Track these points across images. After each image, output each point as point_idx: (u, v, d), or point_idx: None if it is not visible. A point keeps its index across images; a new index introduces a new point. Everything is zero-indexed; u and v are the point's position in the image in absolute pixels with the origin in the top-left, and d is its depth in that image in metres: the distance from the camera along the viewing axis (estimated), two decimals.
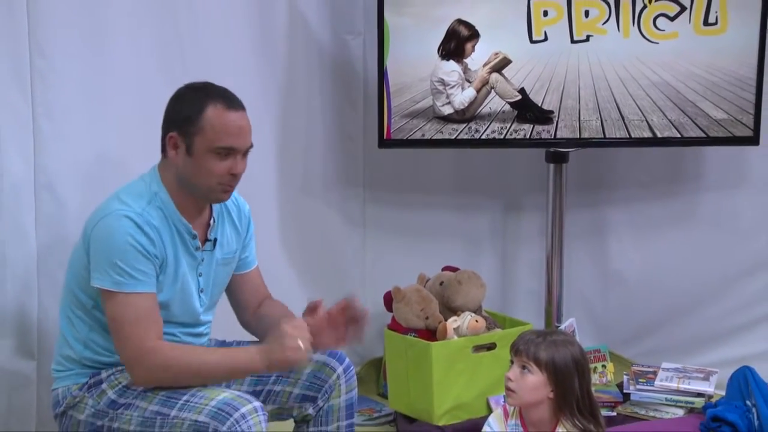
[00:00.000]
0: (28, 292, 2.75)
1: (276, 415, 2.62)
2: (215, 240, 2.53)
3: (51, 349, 2.64)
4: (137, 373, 2.35)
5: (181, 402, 2.32)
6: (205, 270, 2.51)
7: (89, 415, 2.41)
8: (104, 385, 2.42)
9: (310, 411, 2.62)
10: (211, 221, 2.52)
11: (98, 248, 2.36)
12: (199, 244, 2.48)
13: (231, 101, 2.43)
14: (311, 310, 2.51)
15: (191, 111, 2.39)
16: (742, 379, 3.19)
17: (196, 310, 2.51)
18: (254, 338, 2.70)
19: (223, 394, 2.31)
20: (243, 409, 2.27)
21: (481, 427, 2.60)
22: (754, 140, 3.50)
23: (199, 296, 2.51)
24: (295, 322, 2.39)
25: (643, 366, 3.57)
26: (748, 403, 3.09)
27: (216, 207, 2.53)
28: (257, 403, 2.31)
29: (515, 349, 2.48)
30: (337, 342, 2.52)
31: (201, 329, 2.56)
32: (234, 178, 2.44)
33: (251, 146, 2.45)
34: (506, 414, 2.56)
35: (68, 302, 2.48)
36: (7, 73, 2.66)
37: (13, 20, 2.65)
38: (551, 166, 3.61)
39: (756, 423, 2.99)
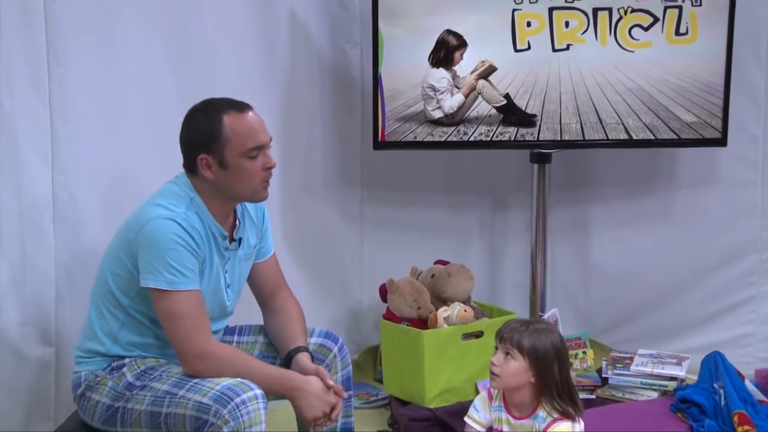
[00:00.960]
0: (47, 284, 2.75)
1: (277, 395, 2.60)
2: (240, 239, 2.55)
3: (68, 337, 2.68)
4: (193, 368, 2.38)
5: (190, 384, 2.34)
6: (230, 267, 2.55)
7: (107, 397, 2.42)
8: (125, 369, 2.44)
9: None
10: (237, 222, 2.55)
11: (148, 251, 2.37)
12: (228, 244, 2.51)
13: (240, 106, 2.45)
14: (336, 390, 2.52)
15: (212, 128, 2.40)
16: (713, 364, 3.22)
17: (224, 304, 2.55)
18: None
19: (228, 380, 2.33)
20: (244, 396, 2.29)
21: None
22: (722, 142, 3.50)
23: (227, 292, 2.54)
24: (332, 401, 2.44)
25: (620, 352, 3.59)
26: (715, 385, 3.11)
27: (239, 208, 2.55)
28: (258, 391, 2.32)
29: (500, 337, 2.49)
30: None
31: (226, 321, 2.61)
32: (269, 172, 2.46)
33: (271, 139, 2.47)
34: (490, 397, 2.57)
35: (102, 298, 2.48)
36: (26, 79, 2.67)
37: (31, 31, 2.66)
38: (535, 166, 3.61)
39: (723, 403, 3.01)
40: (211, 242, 2.46)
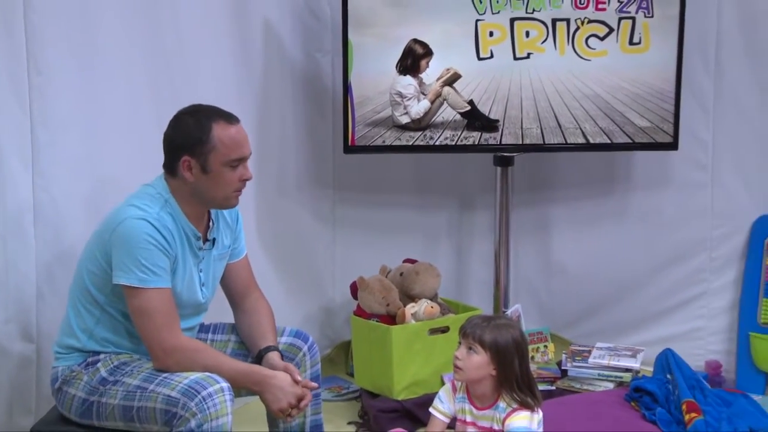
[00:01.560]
0: (28, 283, 2.73)
1: (248, 391, 2.57)
2: (213, 239, 2.55)
3: (49, 334, 2.67)
4: (162, 363, 2.38)
5: (159, 378, 2.34)
6: (204, 266, 2.54)
7: (82, 391, 2.41)
8: (99, 364, 2.43)
9: None
10: (210, 224, 2.54)
11: (122, 249, 2.36)
12: (201, 244, 2.51)
13: (229, 117, 2.45)
14: (305, 385, 2.50)
15: (200, 134, 2.39)
16: (664, 359, 3.27)
17: (198, 302, 2.54)
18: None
19: (196, 374, 2.33)
20: (211, 389, 2.29)
21: None
22: (673, 146, 3.52)
23: (201, 290, 2.53)
24: (299, 393, 2.43)
25: (579, 346, 3.63)
26: (668, 376, 3.15)
27: (213, 210, 2.54)
28: (225, 384, 2.32)
29: (463, 332, 2.51)
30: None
31: (201, 317, 2.60)
32: (244, 183, 2.48)
33: (251, 153, 2.49)
34: (454, 388, 2.58)
35: (79, 296, 2.47)
36: (8, 88, 2.65)
37: (12, 41, 2.64)
38: (498, 169, 3.62)
39: (675, 393, 3.04)
40: (184, 242, 2.46)
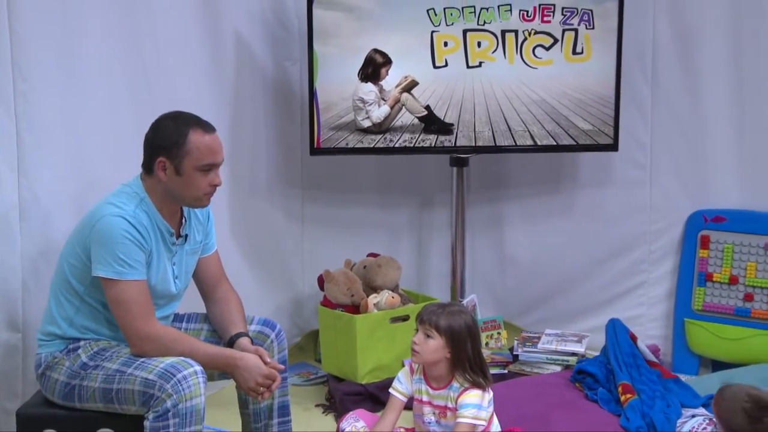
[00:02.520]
0: (14, 276, 2.73)
1: (220, 376, 2.62)
2: (186, 235, 2.56)
3: (33, 324, 2.66)
4: (138, 349, 2.39)
5: (137, 363, 2.36)
6: (177, 260, 2.55)
7: (64, 375, 2.42)
8: (80, 350, 2.44)
9: None
10: (183, 221, 2.55)
11: (100, 244, 2.36)
12: (175, 239, 2.52)
13: (206, 126, 2.46)
14: (272, 365, 2.51)
15: (176, 138, 2.41)
16: (610, 330, 3.23)
17: (172, 292, 2.55)
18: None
19: (171, 359, 2.35)
20: (185, 372, 2.31)
21: None
22: (614, 147, 3.56)
23: (174, 282, 2.54)
24: (267, 373, 2.44)
25: (530, 332, 3.68)
26: (607, 357, 3.16)
27: (185, 208, 2.55)
28: (198, 367, 2.34)
29: (420, 319, 2.55)
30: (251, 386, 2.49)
31: (175, 306, 2.61)
32: (214, 188, 2.48)
33: (223, 160, 2.49)
34: (412, 370, 2.62)
35: (60, 286, 2.47)
36: None
37: None
38: (454, 169, 3.64)
39: (612, 376, 3.07)
40: (158, 237, 2.47)
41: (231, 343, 2.57)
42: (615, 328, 3.23)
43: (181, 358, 2.35)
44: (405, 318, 3.30)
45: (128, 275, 2.37)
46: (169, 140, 2.42)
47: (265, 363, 2.48)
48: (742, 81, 3.53)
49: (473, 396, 2.51)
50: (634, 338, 3.23)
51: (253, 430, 2.69)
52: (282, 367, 2.55)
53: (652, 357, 3.24)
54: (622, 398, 2.93)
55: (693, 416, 2.86)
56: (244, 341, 2.55)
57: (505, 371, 3.43)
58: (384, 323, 3.29)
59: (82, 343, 2.45)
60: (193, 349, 2.42)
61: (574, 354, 3.44)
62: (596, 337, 3.54)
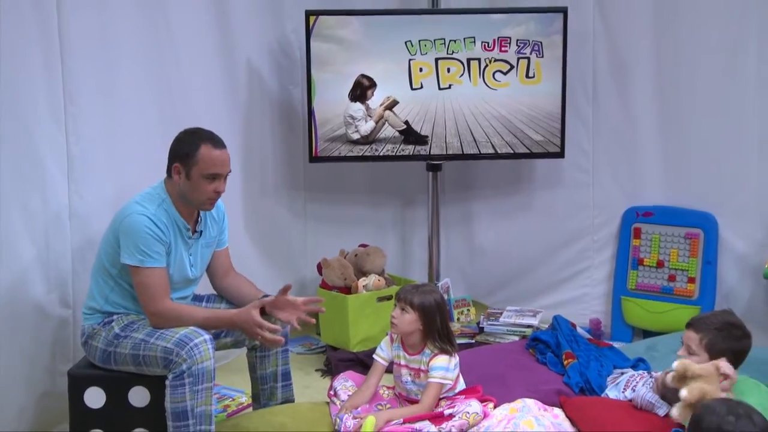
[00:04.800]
0: (65, 263, 2.77)
1: (233, 345, 2.68)
2: (201, 231, 2.58)
3: (81, 301, 2.71)
4: (154, 322, 2.44)
5: (158, 333, 2.42)
6: (193, 252, 2.58)
7: (102, 343, 2.49)
8: (113, 323, 2.50)
9: (256, 342, 2.63)
10: (199, 219, 2.58)
11: (126, 237, 2.41)
12: (191, 234, 2.54)
13: (216, 142, 2.47)
14: (284, 291, 2.53)
15: (189, 149, 2.44)
16: (555, 323, 3.28)
17: (188, 278, 2.57)
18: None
19: (184, 330, 2.39)
20: (196, 340, 2.36)
21: None
22: (561, 155, 3.59)
23: (190, 269, 2.56)
24: (260, 322, 2.40)
25: (494, 309, 3.72)
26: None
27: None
28: (207, 336, 2.38)
29: (398, 297, 2.64)
30: (293, 320, 2.51)
31: (192, 289, 2.65)
32: (218, 194, 2.49)
33: (230, 171, 2.51)
34: (392, 340, 2.70)
35: (98, 270, 2.52)
36: (49, 116, 2.70)
37: (52, 81, 2.69)
38: (430, 174, 3.70)
39: (559, 347, 3.11)
40: (176, 232, 2.50)
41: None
42: (558, 321, 3.26)
43: (193, 328, 2.39)
44: (389, 297, 3.33)
45: (148, 263, 2.41)
46: (184, 150, 2.45)
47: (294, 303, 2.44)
48: (665, 100, 3.56)
49: (441, 360, 2.58)
50: (574, 325, 3.27)
51: (261, 391, 2.72)
52: (277, 328, 2.47)
53: (588, 336, 3.30)
54: (565, 362, 2.99)
55: (622, 374, 2.89)
56: (269, 298, 2.55)
57: (473, 341, 3.47)
58: (372, 302, 3.33)
59: (115, 317, 2.50)
60: (192, 319, 2.43)
61: (529, 326, 3.48)
62: (549, 312, 3.58)
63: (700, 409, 1.78)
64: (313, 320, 2.57)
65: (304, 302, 2.54)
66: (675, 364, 2.26)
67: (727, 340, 2.40)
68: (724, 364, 2.22)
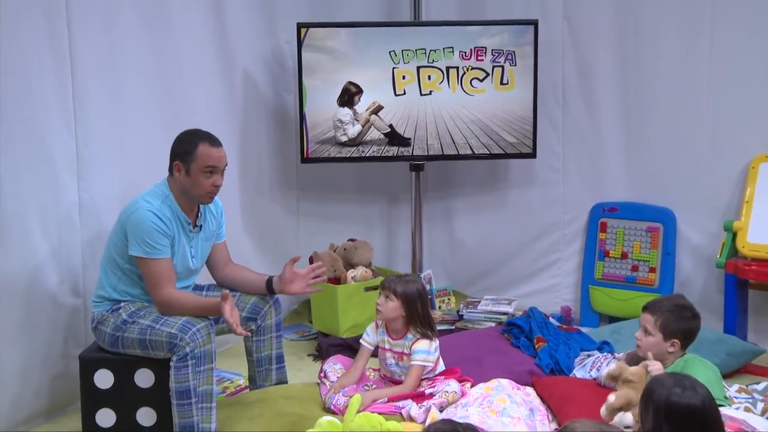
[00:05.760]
0: (76, 255, 2.80)
1: (230, 331, 2.55)
2: (201, 225, 2.61)
3: (91, 291, 2.73)
4: (159, 309, 2.47)
5: (163, 320, 2.45)
6: (194, 244, 2.60)
7: (110, 329, 2.51)
8: (121, 310, 2.53)
9: (253, 327, 2.68)
10: (199, 214, 2.60)
11: (133, 231, 2.43)
12: (192, 228, 2.57)
13: (213, 140, 2.51)
14: (292, 261, 2.59)
15: (189, 147, 2.47)
16: (530, 312, 3.32)
17: (190, 268, 2.60)
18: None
19: (187, 317, 2.42)
20: (198, 326, 2.39)
21: None
22: (533, 155, 3.64)
23: (192, 260, 2.59)
24: (226, 317, 2.36)
25: (473, 298, 3.77)
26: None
27: (202, 205, 2.60)
28: (207, 322, 2.42)
29: (382, 286, 2.70)
30: (305, 289, 2.60)
31: (194, 278, 2.68)
32: (216, 188, 2.51)
33: (227, 165, 2.53)
34: (377, 326, 2.75)
35: (107, 261, 2.54)
36: (60, 119, 2.72)
37: (62, 87, 2.72)
38: (413, 173, 3.75)
39: (532, 333, 3.17)
40: (178, 226, 2.53)
41: (269, 282, 2.64)
42: (533, 312, 3.30)
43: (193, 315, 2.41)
44: (376, 288, 3.27)
45: (153, 255, 2.44)
46: (184, 149, 2.48)
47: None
48: (628, 105, 3.60)
49: (423, 344, 2.65)
50: (547, 316, 3.32)
51: (257, 373, 2.74)
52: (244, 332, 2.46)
53: (559, 323, 3.34)
54: (537, 346, 3.05)
55: (589, 356, 2.95)
56: (275, 278, 2.62)
57: (453, 327, 3.52)
58: (359, 292, 3.35)
59: (122, 304, 2.52)
60: (187, 307, 2.45)
61: (505, 313, 3.54)
62: (522, 301, 3.65)
63: (652, 383, 1.86)
64: (320, 287, 2.69)
65: (307, 272, 2.64)
66: (612, 366, 2.33)
67: (679, 321, 2.48)
68: (654, 368, 2.28)
